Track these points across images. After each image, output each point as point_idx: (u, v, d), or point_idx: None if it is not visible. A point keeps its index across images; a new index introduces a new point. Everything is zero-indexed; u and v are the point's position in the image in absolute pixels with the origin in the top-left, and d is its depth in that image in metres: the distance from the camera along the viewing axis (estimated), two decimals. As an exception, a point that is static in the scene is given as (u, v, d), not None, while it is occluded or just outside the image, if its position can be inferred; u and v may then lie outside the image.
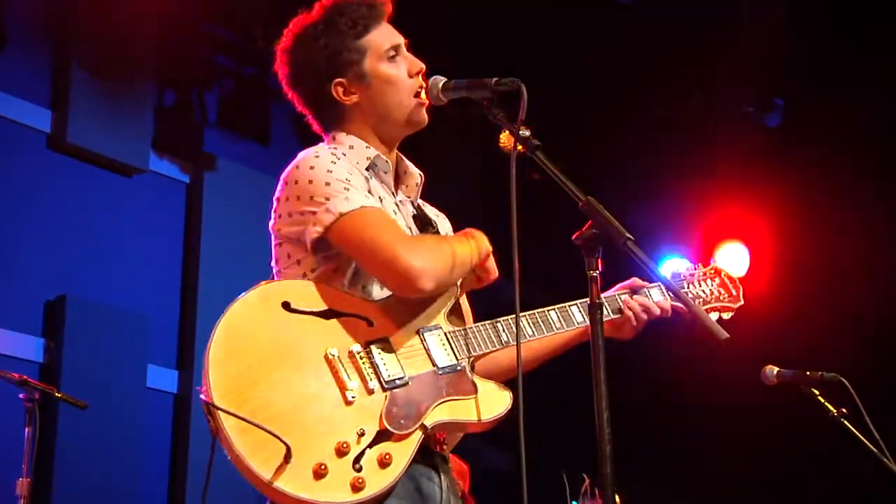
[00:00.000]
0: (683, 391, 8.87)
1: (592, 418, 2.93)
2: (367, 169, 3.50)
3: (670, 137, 8.74)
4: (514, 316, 3.33)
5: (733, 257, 8.91)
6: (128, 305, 7.14)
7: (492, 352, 3.46)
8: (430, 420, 3.24)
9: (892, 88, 8.05)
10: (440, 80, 3.50)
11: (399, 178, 3.64)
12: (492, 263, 3.47)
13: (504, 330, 3.45)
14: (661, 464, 8.99)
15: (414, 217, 3.59)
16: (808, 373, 4.81)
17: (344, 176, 3.36)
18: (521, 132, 3.21)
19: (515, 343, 3.29)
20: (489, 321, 3.47)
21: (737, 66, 8.12)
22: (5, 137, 6.86)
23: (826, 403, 4.75)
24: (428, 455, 3.34)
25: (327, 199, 3.31)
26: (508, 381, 3.38)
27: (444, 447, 3.43)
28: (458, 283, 3.46)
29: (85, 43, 7.23)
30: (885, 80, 8.03)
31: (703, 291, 3.91)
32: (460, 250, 3.36)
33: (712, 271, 3.98)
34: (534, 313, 3.53)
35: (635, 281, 3.71)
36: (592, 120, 8.79)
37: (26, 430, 5.28)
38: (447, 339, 3.37)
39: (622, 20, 7.85)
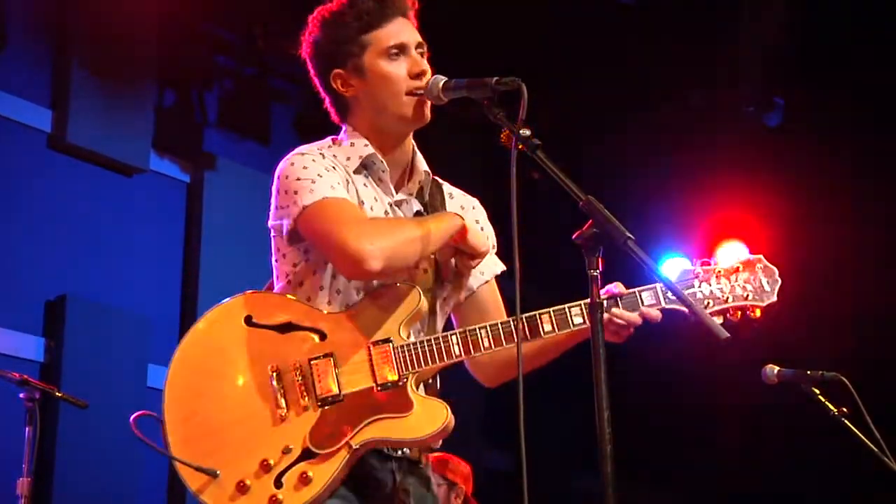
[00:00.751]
0: (683, 390, 8.87)
1: (593, 417, 2.92)
2: (358, 169, 3.52)
3: (670, 137, 8.74)
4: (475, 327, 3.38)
5: (733, 255, 8.90)
6: (128, 305, 7.14)
7: (440, 367, 3.41)
8: (357, 440, 3.25)
9: (892, 88, 8.05)
10: (440, 80, 3.50)
11: (409, 176, 3.64)
12: (475, 238, 3.46)
13: (456, 343, 3.38)
14: (660, 463, 8.99)
15: (417, 214, 3.58)
16: (808, 372, 4.80)
17: (316, 171, 3.41)
18: (521, 131, 3.20)
19: (466, 355, 3.34)
20: (447, 332, 3.43)
21: (736, 65, 8.11)
22: (5, 137, 6.86)
23: (826, 403, 4.74)
24: (381, 457, 3.34)
25: (296, 192, 3.38)
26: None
27: (407, 450, 3.39)
28: (432, 289, 3.48)
29: (85, 42, 7.23)
30: (885, 79, 8.03)
31: (719, 290, 3.56)
32: (418, 229, 3.34)
33: (742, 263, 3.59)
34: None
35: (618, 288, 3.52)
36: (591, 119, 8.79)
37: (27, 429, 5.28)
38: (394, 353, 3.34)
39: (622, 19, 7.84)
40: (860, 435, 4.58)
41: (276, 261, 3.51)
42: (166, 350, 7.67)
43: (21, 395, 5.33)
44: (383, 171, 3.54)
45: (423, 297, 3.42)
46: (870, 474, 4.71)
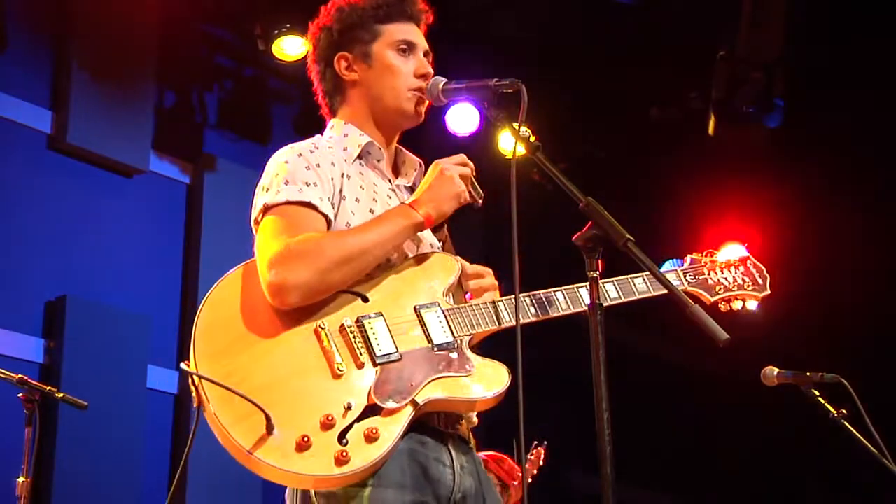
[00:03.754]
0: (682, 391, 8.88)
1: (593, 418, 2.92)
2: (358, 157, 3.52)
3: (670, 137, 8.74)
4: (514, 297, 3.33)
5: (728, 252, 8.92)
6: (128, 306, 7.14)
7: (490, 332, 3.42)
8: (421, 396, 3.19)
9: (893, 89, 8.05)
10: (440, 81, 3.52)
11: (397, 168, 3.66)
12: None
13: (504, 309, 3.41)
14: (659, 463, 8.99)
15: None
16: (808, 374, 4.81)
17: (296, 166, 3.37)
18: (521, 133, 3.21)
19: (515, 324, 3.28)
20: (490, 300, 3.44)
21: (737, 66, 8.11)
22: (5, 138, 6.86)
23: (826, 404, 4.75)
24: (437, 435, 3.30)
25: (267, 189, 3.38)
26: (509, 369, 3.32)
27: (458, 427, 3.38)
28: (458, 261, 3.47)
29: (85, 44, 7.23)
30: (886, 80, 8.03)
31: (726, 279, 3.89)
32: (357, 244, 3.25)
33: (737, 259, 3.96)
34: (538, 293, 3.49)
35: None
36: (591, 120, 8.79)
37: (26, 430, 5.27)
38: (445, 316, 3.34)
39: (621, 20, 7.84)
40: (860, 436, 4.59)
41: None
42: (166, 351, 7.72)
43: (21, 396, 5.33)
44: (379, 160, 3.56)
45: (459, 263, 3.45)
46: (870, 477, 4.71)
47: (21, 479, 5.17)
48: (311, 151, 3.44)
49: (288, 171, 3.37)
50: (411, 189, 3.60)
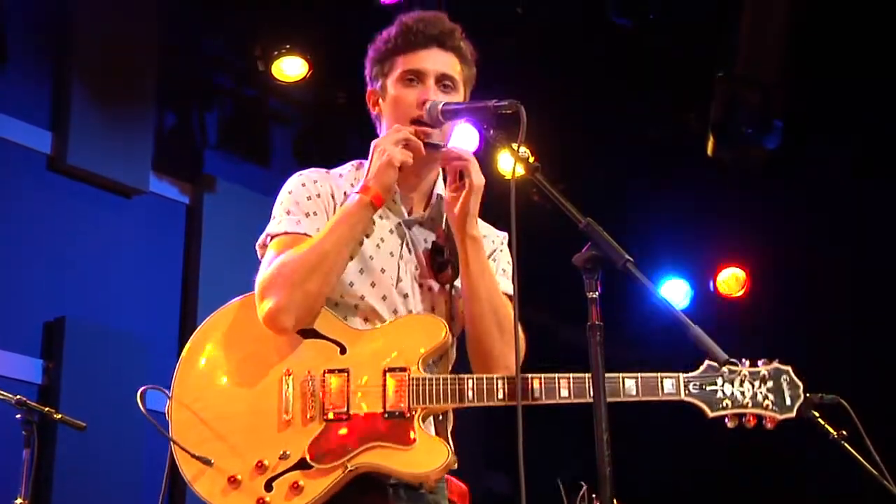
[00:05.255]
0: (677, 412, 8.85)
1: (593, 438, 2.91)
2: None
3: (668, 158, 8.75)
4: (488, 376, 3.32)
5: (730, 282, 8.95)
6: (127, 327, 7.13)
7: (450, 408, 3.37)
8: (354, 462, 3.23)
9: (891, 109, 8.06)
10: (440, 102, 3.50)
11: (428, 200, 3.62)
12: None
13: (471, 388, 3.31)
14: (657, 484, 8.96)
15: (433, 243, 3.56)
16: (808, 395, 4.79)
17: (301, 196, 3.45)
18: (520, 154, 3.21)
19: (479, 403, 3.27)
20: (464, 375, 3.36)
21: (735, 86, 8.12)
22: (5, 159, 6.87)
23: (826, 425, 4.73)
24: (377, 486, 3.30)
25: (273, 217, 3.46)
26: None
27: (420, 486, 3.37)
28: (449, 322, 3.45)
29: (85, 64, 7.24)
30: (884, 99, 8.04)
31: (740, 393, 3.44)
32: (318, 250, 3.29)
33: (768, 371, 3.49)
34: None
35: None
36: (590, 140, 8.79)
37: (24, 451, 5.25)
38: (408, 384, 3.30)
39: (619, 40, 7.85)
40: (860, 458, 4.57)
41: None
42: (165, 372, 7.66)
43: (18, 417, 5.32)
44: (394, 192, 3.52)
45: (448, 332, 3.40)
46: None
47: (19, 501, 5.15)
48: (315, 181, 3.50)
49: (291, 202, 3.45)
50: (421, 223, 3.58)
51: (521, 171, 3.22)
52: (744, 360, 3.47)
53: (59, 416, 5.51)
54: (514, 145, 3.22)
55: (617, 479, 2.89)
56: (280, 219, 3.43)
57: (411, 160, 3.41)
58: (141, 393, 3.44)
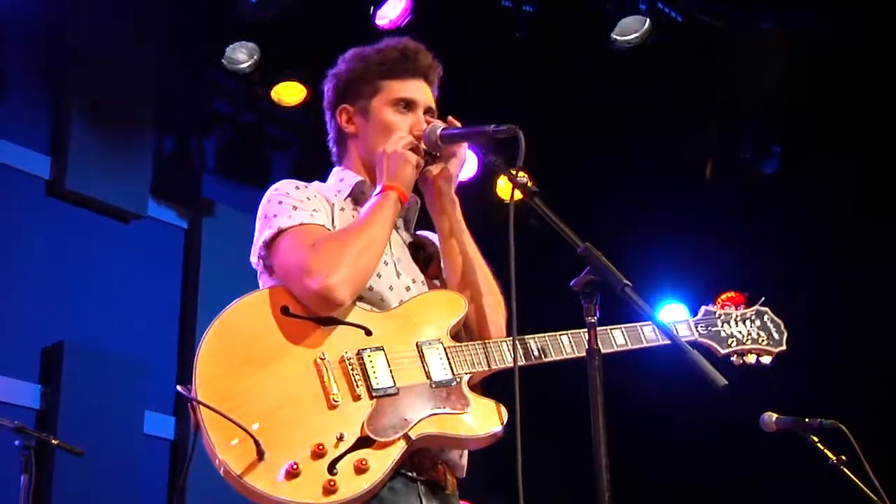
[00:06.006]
0: (680, 439, 8.85)
1: (592, 464, 2.91)
2: (350, 197, 3.57)
3: (667, 183, 8.75)
4: (521, 337, 3.36)
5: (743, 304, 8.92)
6: (125, 351, 7.13)
7: (491, 371, 3.42)
8: (415, 431, 3.21)
9: (892, 133, 8.07)
10: (438, 127, 3.53)
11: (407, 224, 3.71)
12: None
13: (507, 350, 3.41)
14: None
15: (410, 245, 3.63)
16: (806, 420, 4.79)
17: (300, 197, 3.44)
18: (519, 178, 3.22)
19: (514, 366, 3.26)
20: (493, 340, 3.45)
21: (733, 111, 8.14)
22: (4, 183, 6.88)
23: (825, 451, 4.73)
24: (407, 482, 3.29)
25: (275, 215, 3.41)
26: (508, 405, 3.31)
27: (432, 473, 3.37)
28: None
29: (84, 89, 7.27)
30: (884, 124, 8.05)
31: (739, 332, 3.87)
32: (364, 235, 3.33)
33: (752, 312, 3.95)
34: (543, 337, 3.49)
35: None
36: (588, 165, 8.81)
37: (22, 477, 5.26)
38: (446, 353, 3.36)
39: (618, 63, 7.87)
40: (860, 483, 4.57)
41: None
42: (164, 396, 7.68)
43: (17, 443, 5.32)
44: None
45: (468, 304, 3.46)
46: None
47: (17, 527, 5.15)
48: (306, 187, 3.52)
49: (294, 200, 3.43)
50: (398, 227, 3.62)
51: (519, 195, 3.24)
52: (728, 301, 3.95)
53: (57, 441, 5.52)
54: (513, 170, 3.24)
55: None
56: (288, 214, 3.39)
57: (421, 162, 3.49)
58: (185, 389, 3.16)
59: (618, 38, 7.50)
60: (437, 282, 3.62)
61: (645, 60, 7.67)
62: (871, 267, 8.45)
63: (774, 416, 4.84)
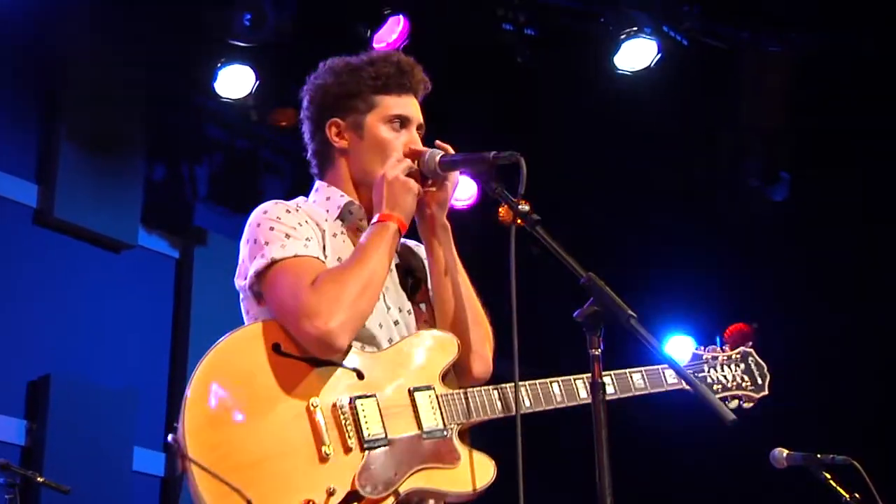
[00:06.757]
0: (689, 474, 8.82)
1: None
2: (339, 218, 3.55)
3: (672, 210, 8.75)
4: (512, 385, 3.29)
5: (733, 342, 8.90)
6: (114, 385, 7.11)
7: (483, 420, 3.40)
8: (405, 487, 3.20)
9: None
10: (437, 153, 3.51)
11: None
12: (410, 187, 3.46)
13: (500, 398, 3.41)
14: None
15: (397, 267, 3.59)
16: (818, 455, 4.78)
17: (292, 223, 3.41)
18: (520, 207, 3.21)
19: (513, 413, 3.25)
20: (486, 387, 3.43)
21: (740, 137, 8.15)
22: (-10, 211, 6.88)
23: (838, 487, 4.72)
24: None
25: (267, 243, 3.37)
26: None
27: None
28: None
29: (72, 115, 7.26)
30: (892, 152, 8.06)
31: (724, 377, 3.88)
32: (365, 271, 3.30)
33: (738, 355, 3.95)
34: (534, 384, 3.48)
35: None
36: (592, 193, 8.81)
37: (7, 515, 5.24)
38: (438, 401, 3.34)
39: (624, 91, 7.88)
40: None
41: (248, 324, 3.45)
42: (153, 431, 7.65)
43: (1, 481, 5.29)
44: (360, 220, 3.55)
45: (460, 347, 3.44)
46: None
47: (1, 567, 5.13)
48: (297, 210, 3.48)
49: (286, 227, 3.40)
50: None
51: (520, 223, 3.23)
52: (706, 347, 3.94)
53: (43, 479, 5.49)
54: (515, 199, 3.23)
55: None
56: (281, 243, 3.36)
57: (422, 189, 3.47)
58: (172, 439, 3.12)
59: (622, 62, 7.52)
60: (423, 306, 3.59)
61: (650, 85, 7.67)
62: (885, 296, 8.44)
63: (785, 451, 4.82)
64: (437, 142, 3.57)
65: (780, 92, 7.85)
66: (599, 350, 3.04)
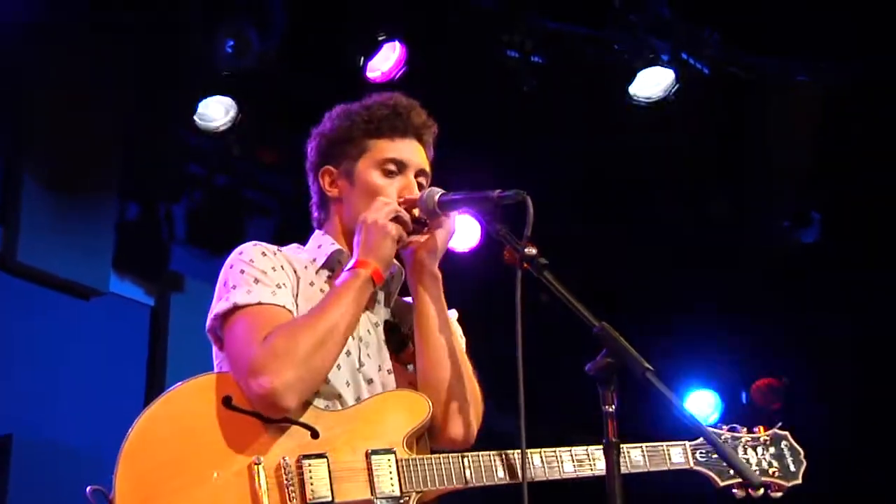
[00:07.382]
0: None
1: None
2: (325, 266, 3.58)
3: (694, 253, 8.76)
4: (483, 453, 3.35)
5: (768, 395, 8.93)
6: (83, 445, 7.07)
7: (446, 491, 3.39)
8: None
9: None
10: (437, 192, 3.53)
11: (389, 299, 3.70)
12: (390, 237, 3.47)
13: (468, 466, 3.39)
14: None
15: (385, 322, 3.61)
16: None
17: (265, 267, 3.44)
18: (526, 250, 3.21)
19: (479, 483, 3.28)
20: (457, 454, 3.43)
21: (767, 174, 8.17)
22: (-54, 256, 6.87)
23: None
24: None
25: (234, 287, 3.43)
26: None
27: None
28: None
29: (37, 151, 7.26)
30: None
31: (747, 460, 3.72)
32: (324, 323, 3.32)
33: (770, 437, 3.80)
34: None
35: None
36: (603, 233, 8.81)
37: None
38: (398, 466, 3.33)
39: (643, 127, 7.90)
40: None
41: (217, 369, 3.50)
42: (124, 497, 7.53)
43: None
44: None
45: (432, 408, 3.43)
46: None
47: None
48: (275, 254, 3.52)
49: (256, 271, 3.44)
50: (377, 301, 3.62)
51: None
52: (740, 426, 3.77)
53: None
54: (521, 242, 3.24)
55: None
56: (248, 288, 3.40)
57: (406, 236, 3.48)
58: (91, 492, 3.27)
59: (638, 91, 7.53)
60: (410, 367, 3.59)
61: (667, 117, 7.69)
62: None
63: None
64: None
65: (810, 125, 7.87)
66: (613, 406, 3.03)
